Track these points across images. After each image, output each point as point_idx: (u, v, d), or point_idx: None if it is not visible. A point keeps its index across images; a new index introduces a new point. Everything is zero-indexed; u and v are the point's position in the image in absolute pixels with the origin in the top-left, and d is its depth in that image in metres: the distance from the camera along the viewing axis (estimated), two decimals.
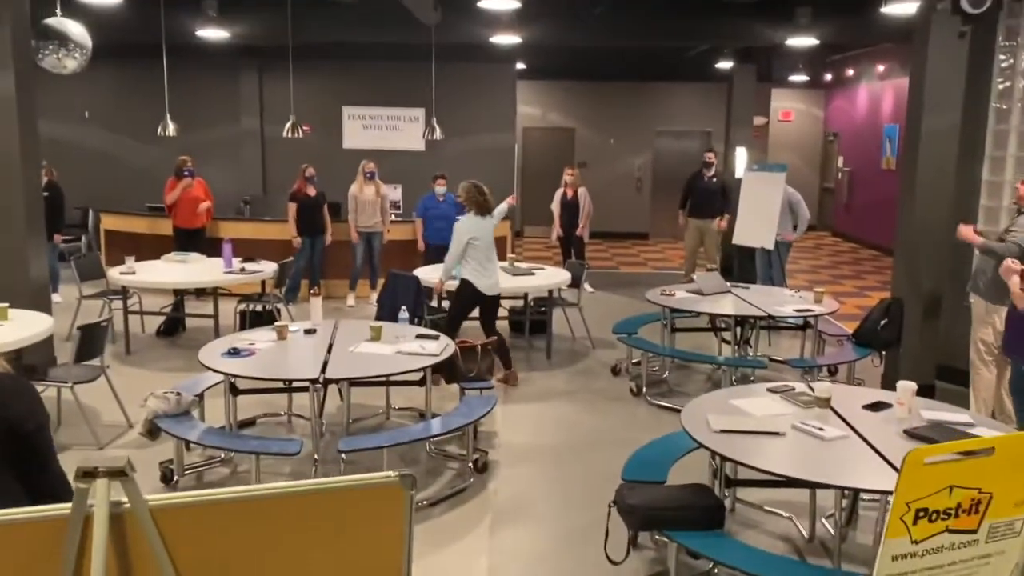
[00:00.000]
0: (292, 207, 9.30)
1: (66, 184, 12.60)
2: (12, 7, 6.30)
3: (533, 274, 7.93)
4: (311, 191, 9.35)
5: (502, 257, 8.68)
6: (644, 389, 6.57)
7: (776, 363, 7.11)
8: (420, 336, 5.26)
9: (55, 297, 9.00)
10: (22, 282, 6.61)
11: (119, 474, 1.35)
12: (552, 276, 7.95)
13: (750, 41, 10.93)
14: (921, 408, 3.94)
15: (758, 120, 14.91)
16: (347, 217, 9.45)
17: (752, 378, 6.59)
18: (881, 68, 14.60)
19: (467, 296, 6.52)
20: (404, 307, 5.65)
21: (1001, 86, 6.47)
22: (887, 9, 6.88)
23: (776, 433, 3.62)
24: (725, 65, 12.84)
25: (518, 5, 7.69)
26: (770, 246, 8.61)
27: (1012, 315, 4.68)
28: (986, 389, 5.54)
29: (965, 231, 5.47)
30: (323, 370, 4.61)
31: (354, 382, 4.96)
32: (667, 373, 7.12)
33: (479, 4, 7.24)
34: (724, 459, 3.64)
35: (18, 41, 6.39)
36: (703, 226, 10.40)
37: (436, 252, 8.95)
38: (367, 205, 9.36)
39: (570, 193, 10.36)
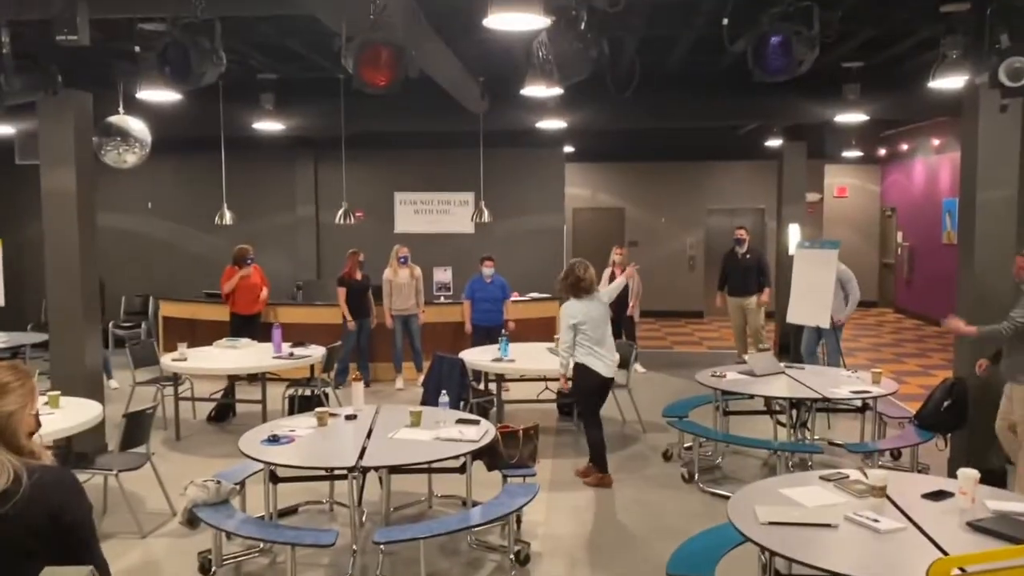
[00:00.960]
0: (341, 291, 9.46)
1: (128, 272, 13.02)
2: (75, 106, 6.64)
3: None
4: (359, 275, 9.52)
5: (548, 338, 8.62)
6: (696, 476, 6.34)
7: (835, 447, 6.81)
8: (460, 421, 5.18)
9: (112, 383, 9.21)
10: (78, 371, 6.79)
11: None
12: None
13: (798, 119, 10.88)
14: (986, 498, 3.68)
15: (812, 196, 14.74)
16: (383, 301, 9.55)
17: (810, 463, 6.32)
18: (936, 142, 14.38)
19: (587, 381, 6.26)
20: (445, 391, 5.59)
21: None
22: (935, 84, 6.78)
23: (828, 525, 3.42)
24: (775, 143, 12.79)
25: (561, 92, 7.80)
26: (825, 324, 8.37)
27: None
28: None
29: (954, 323, 5.67)
30: (361, 457, 4.55)
31: (393, 469, 4.88)
32: (720, 458, 6.86)
33: (523, 93, 7.36)
34: (773, 554, 3.44)
35: (80, 138, 6.71)
36: (744, 303, 10.35)
37: (485, 334, 8.93)
38: (402, 288, 9.47)
39: (619, 273, 10.29)
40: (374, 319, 9.63)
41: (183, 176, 13.37)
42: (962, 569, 1.83)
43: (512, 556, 4.83)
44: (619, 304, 10.25)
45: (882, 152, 16.77)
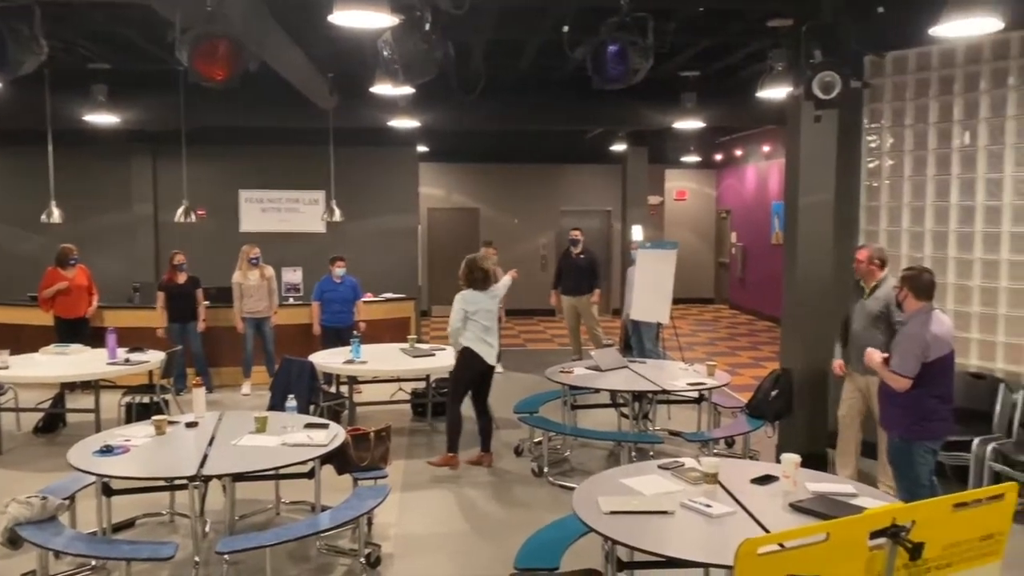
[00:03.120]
0: (160, 296, 9.09)
1: None
2: None
3: (434, 355, 7.83)
4: (180, 278, 9.13)
5: (403, 339, 8.60)
6: (546, 469, 6.50)
7: (674, 436, 7.15)
8: (309, 425, 5.09)
9: None
10: None
11: None
12: (453, 357, 7.85)
13: (639, 125, 11.37)
14: (807, 480, 3.98)
15: (654, 199, 15.42)
16: (234, 304, 9.23)
17: (651, 453, 6.60)
18: (767, 148, 15.36)
19: (471, 365, 6.62)
20: (292, 395, 5.46)
21: (871, 165, 6.87)
22: (762, 94, 7.26)
23: (665, 512, 3.59)
24: (620, 147, 13.28)
25: (412, 91, 7.79)
26: (665, 320, 8.79)
27: (883, 391, 4.85)
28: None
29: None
30: (202, 465, 4.38)
31: (237, 477, 4.73)
32: (569, 451, 7.06)
33: (372, 91, 7.30)
34: (615, 542, 3.58)
35: None
36: (577, 303, 10.53)
37: (335, 335, 8.79)
38: (253, 291, 9.18)
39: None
40: (202, 322, 9.25)
41: (5, 171, 12.40)
42: (782, 545, 1.99)
43: (363, 559, 4.79)
44: None
45: (718, 157, 17.75)
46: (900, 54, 6.57)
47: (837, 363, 6.05)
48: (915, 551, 2.01)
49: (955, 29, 4.88)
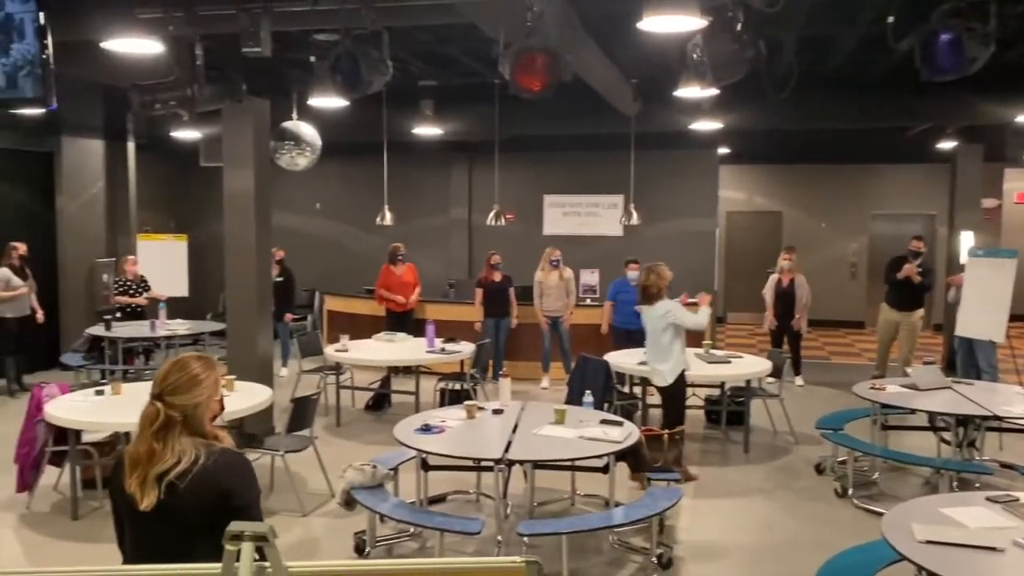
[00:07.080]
0: (478, 292, 9.80)
1: (296, 268, 13.88)
2: (255, 113, 7.16)
3: (730, 362, 7.66)
4: (496, 276, 9.77)
5: (698, 344, 8.50)
6: (850, 490, 6.09)
7: (1007, 469, 6.36)
8: (604, 422, 5.22)
9: (283, 371, 9.87)
10: (250, 357, 7.32)
11: (262, 539, 1.45)
12: (751, 365, 7.65)
13: (974, 120, 10.18)
14: None
15: (989, 202, 13.76)
16: (534, 302, 9.77)
17: (977, 485, 5.93)
18: None
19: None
20: (588, 391, 5.64)
21: None
22: None
23: (993, 548, 3.23)
24: (948, 145, 12.02)
25: (717, 92, 7.67)
26: (999, 338, 7.83)
27: None
28: None
29: None
30: (507, 450, 4.68)
31: (537, 464, 4.99)
32: (877, 474, 6.55)
33: (676, 94, 7.31)
34: (931, 574, 3.28)
35: (258, 142, 7.23)
36: (902, 318, 9.34)
37: (625, 336, 8.88)
38: (551, 290, 9.66)
39: (785, 280, 9.89)
40: (514, 319, 9.84)
41: (348, 178, 14.11)
42: None
43: (655, 559, 4.83)
44: (785, 314, 9.83)
45: None
46: None
47: None
48: None
49: None
